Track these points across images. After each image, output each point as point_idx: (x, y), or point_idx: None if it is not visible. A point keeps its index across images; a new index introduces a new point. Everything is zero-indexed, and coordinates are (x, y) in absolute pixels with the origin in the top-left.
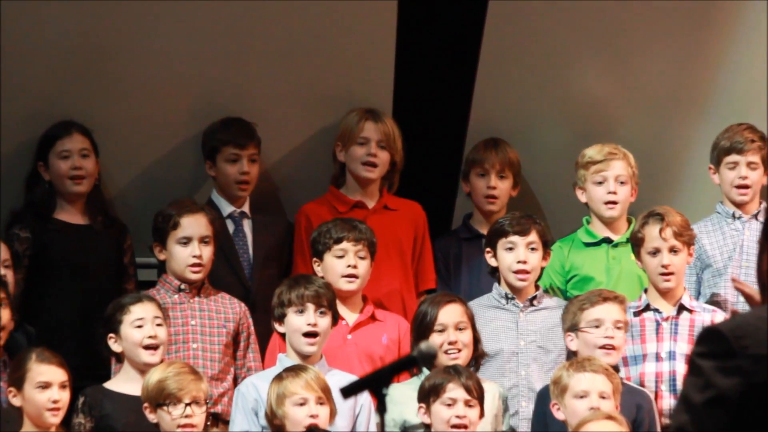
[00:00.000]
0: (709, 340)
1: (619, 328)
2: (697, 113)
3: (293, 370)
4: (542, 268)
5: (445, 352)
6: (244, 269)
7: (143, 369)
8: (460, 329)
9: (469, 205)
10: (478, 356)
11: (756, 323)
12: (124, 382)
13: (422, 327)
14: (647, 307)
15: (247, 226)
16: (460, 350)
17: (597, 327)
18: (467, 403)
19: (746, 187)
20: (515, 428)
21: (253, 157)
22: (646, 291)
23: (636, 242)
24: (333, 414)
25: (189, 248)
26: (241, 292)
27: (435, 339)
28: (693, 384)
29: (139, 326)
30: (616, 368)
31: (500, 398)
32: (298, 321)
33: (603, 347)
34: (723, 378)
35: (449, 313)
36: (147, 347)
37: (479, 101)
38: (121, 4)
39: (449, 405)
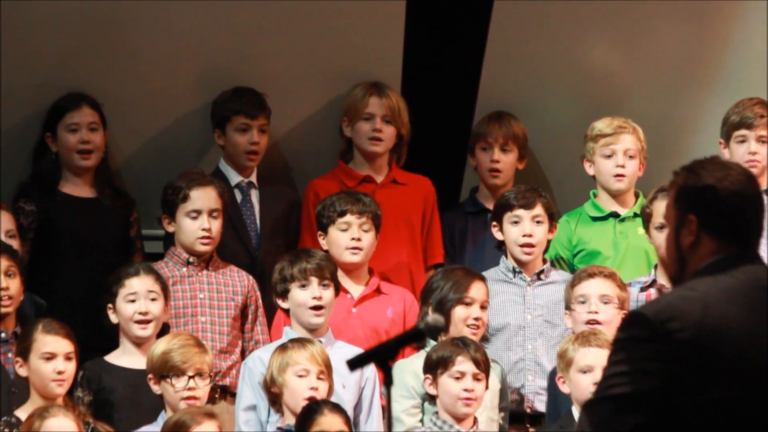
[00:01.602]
0: (634, 323)
1: (606, 302)
2: (707, 87)
3: (299, 342)
4: (549, 241)
5: (467, 326)
6: (252, 239)
7: (137, 342)
8: (483, 308)
9: (478, 179)
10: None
11: (681, 305)
12: (123, 355)
13: (447, 299)
14: (653, 283)
15: (254, 196)
16: (479, 327)
17: (583, 303)
18: (475, 377)
19: (755, 161)
20: (522, 401)
21: (263, 127)
22: (656, 267)
23: (645, 217)
24: (331, 390)
25: (198, 221)
26: (248, 261)
27: (460, 311)
28: (620, 366)
29: (132, 300)
30: None
31: (499, 377)
32: (302, 295)
33: (588, 323)
34: (650, 362)
35: (479, 290)
36: (138, 322)
37: (488, 75)
38: None
39: (458, 378)
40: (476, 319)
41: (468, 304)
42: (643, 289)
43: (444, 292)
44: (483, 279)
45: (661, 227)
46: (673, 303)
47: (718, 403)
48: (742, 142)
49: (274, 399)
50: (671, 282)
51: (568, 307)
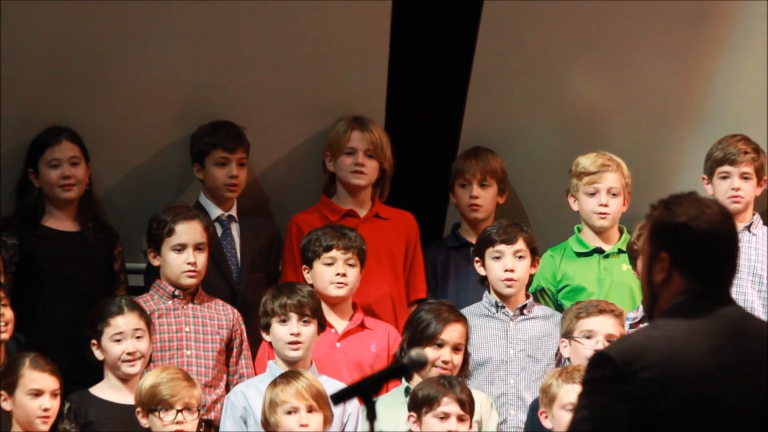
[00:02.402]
0: (599, 364)
1: (610, 341)
2: (691, 122)
3: (286, 378)
4: (531, 276)
5: (434, 366)
6: (232, 273)
7: (125, 378)
8: (457, 350)
9: (459, 215)
10: (463, 376)
11: (646, 343)
12: (109, 389)
13: (421, 337)
14: (644, 319)
15: (234, 229)
16: (449, 370)
17: (589, 338)
18: (460, 418)
19: (739, 197)
20: None
21: (241, 161)
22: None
23: (633, 253)
24: (328, 420)
25: (184, 255)
26: (229, 295)
27: (429, 353)
28: (586, 409)
29: (119, 340)
30: None
31: (488, 405)
32: (281, 331)
33: None
34: (615, 404)
35: (452, 333)
36: (126, 360)
37: (472, 110)
38: (111, 8)
39: (442, 419)
40: (445, 362)
41: (439, 346)
42: (632, 326)
43: (419, 330)
44: (462, 320)
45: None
46: (637, 342)
47: None
48: (725, 178)
49: None
50: (646, 314)
51: (567, 336)
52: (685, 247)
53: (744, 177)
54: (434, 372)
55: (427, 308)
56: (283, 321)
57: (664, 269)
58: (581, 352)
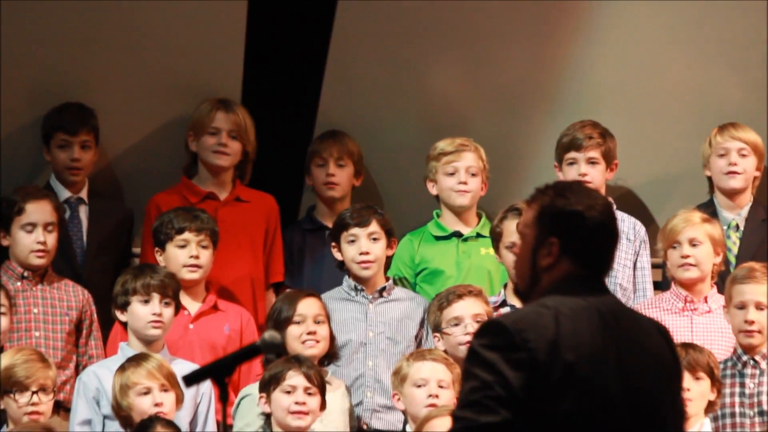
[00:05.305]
0: (492, 332)
1: (479, 322)
2: (546, 110)
3: (135, 360)
4: (389, 257)
5: (303, 342)
6: (77, 256)
7: None
8: (318, 322)
9: (315, 198)
10: (332, 354)
11: (537, 319)
12: None
13: (279, 320)
14: (504, 303)
15: (83, 212)
16: (318, 341)
17: (457, 325)
18: (307, 391)
19: (586, 183)
20: (360, 418)
21: (86, 143)
22: (505, 286)
23: (495, 237)
24: (180, 400)
25: (33, 235)
26: (73, 278)
27: (293, 330)
28: (477, 378)
29: None
30: None
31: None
32: (143, 310)
33: (466, 344)
34: (509, 370)
35: (308, 306)
36: None
37: (328, 94)
38: None
39: (289, 392)
40: (310, 333)
41: (299, 322)
42: (494, 309)
43: (275, 317)
44: (314, 295)
45: (511, 247)
46: (529, 315)
47: (568, 417)
48: (573, 164)
49: (126, 422)
50: (517, 295)
51: (437, 330)
52: (579, 234)
53: (591, 162)
54: (300, 348)
55: (279, 299)
56: (146, 301)
57: (553, 254)
58: (453, 341)
